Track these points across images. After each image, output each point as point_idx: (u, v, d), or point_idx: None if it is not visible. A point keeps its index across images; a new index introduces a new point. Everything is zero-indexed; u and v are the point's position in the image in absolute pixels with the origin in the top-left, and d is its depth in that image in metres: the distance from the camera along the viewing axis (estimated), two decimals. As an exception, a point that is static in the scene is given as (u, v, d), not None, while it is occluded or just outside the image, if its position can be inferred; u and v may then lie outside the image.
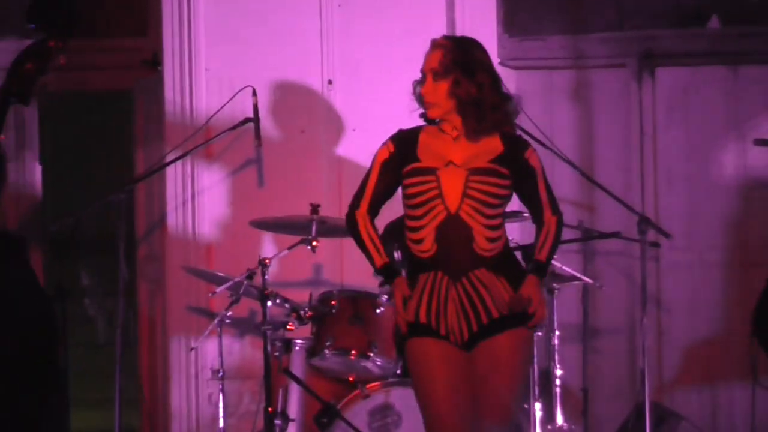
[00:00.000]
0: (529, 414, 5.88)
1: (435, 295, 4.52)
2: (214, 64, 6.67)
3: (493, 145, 4.55)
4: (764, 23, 6.97)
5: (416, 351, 4.56)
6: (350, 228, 4.66)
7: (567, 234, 6.28)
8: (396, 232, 5.32)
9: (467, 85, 4.47)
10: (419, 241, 4.53)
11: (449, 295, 4.50)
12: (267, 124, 6.41)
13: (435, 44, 4.56)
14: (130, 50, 7.02)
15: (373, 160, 4.63)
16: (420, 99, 4.57)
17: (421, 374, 4.54)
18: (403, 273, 4.62)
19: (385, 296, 5.63)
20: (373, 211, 4.62)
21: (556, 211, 4.63)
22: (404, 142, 4.58)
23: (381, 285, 4.76)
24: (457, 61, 4.48)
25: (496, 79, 4.55)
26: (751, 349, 5.71)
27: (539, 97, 7.00)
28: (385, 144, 4.62)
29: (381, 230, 4.88)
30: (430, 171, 4.51)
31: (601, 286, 6.40)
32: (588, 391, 6.56)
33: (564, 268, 6.06)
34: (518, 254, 4.88)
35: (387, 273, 4.61)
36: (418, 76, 4.61)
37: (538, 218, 4.63)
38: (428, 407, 4.53)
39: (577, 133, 7.06)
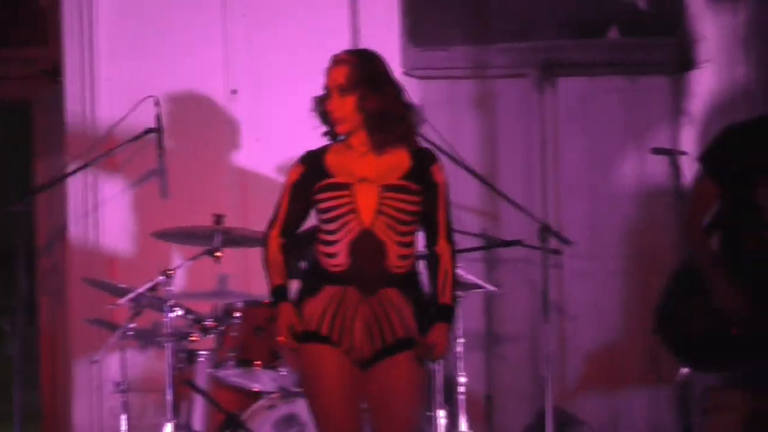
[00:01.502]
0: (432, 421, 5.85)
1: (342, 310, 4.45)
2: (116, 74, 6.61)
3: (402, 159, 4.51)
4: (661, 35, 7.03)
5: (311, 357, 4.47)
6: (264, 246, 4.60)
7: (470, 242, 6.39)
8: (302, 243, 5.26)
9: (374, 98, 4.44)
10: (333, 255, 4.47)
11: (358, 311, 4.45)
12: (170, 134, 6.33)
13: (338, 60, 4.51)
14: (30, 60, 6.97)
15: (285, 183, 4.58)
16: (323, 115, 4.52)
17: (317, 383, 4.47)
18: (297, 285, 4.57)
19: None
20: (287, 233, 4.57)
21: (450, 240, 4.56)
22: (313, 162, 4.53)
23: (271, 304, 4.71)
24: (363, 75, 4.45)
25: (400, 91, 4.52)
26: (653, 346, 5.73)
27: (443, 107, 6.99)
28: (294, 166, 4.57)
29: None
30: (345, 186, 4.47)
31: (504, 294, 6.43)
32: (491, 397, 6.65)
33: (467, 276, 6.04)
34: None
35: (277, 294, 4.54)
36: (320, 84, 4.54)
37: (431, 242, 4.55)
38: (321, 412, 4.46)
39: (480, 142, 7.06)
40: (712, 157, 5.10)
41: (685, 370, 5.98)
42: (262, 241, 4.61)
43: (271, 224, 4.58)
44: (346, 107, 4.44)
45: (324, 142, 4.56)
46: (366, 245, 4.43)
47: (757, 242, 5.00)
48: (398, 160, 4.50)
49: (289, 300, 4.52)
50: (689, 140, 6.85)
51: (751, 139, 5.06)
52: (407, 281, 4.49)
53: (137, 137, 6.16)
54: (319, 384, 4.45)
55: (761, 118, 5.18)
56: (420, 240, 4.59)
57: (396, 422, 4.46)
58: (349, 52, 4.56)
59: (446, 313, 4.51)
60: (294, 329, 4.46)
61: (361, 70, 4.44)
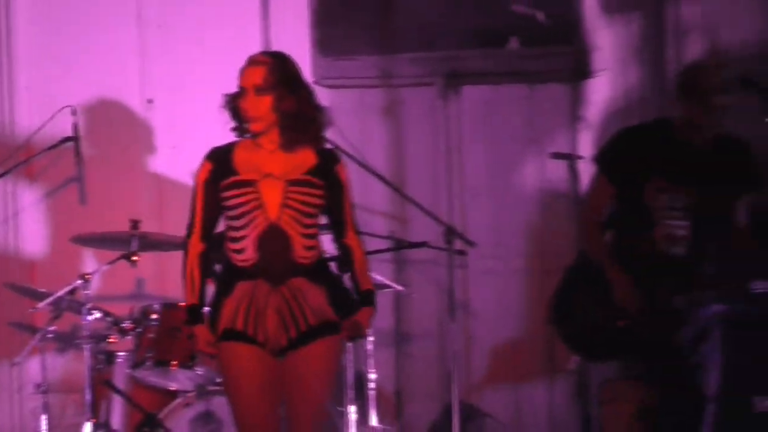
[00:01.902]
0: (344, 416, 5.90)
1: (254, 303, 4.51)
2: (34, 83, 6.60)
3: (308, 157, 4.59)
4: (558, 45, 7.10)
5: (229, 356, 4.54)
6: (183, 254, 4.63)
7: (379, 244, 6.40)
8: (216, 246, 5.30)
9: (290, 99, 4.51)
10: (241, 251, 4.52)
11: (269, 302, 4.51)
12: (88, 142, 6.32)
13: (255, 61, 4.57)
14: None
15: (195, 184, 4.61)
16: (235, 112, 4.57)
17: (233, 378, 4.53)
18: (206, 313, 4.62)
19: (207, 308, 5.60)
20: (206, 236, 4.59)
21: (357, 231, 4.69)
22: (220, 158, 4.57)
23: (186, 323, 4.73)
24: (280, 77, 4.51)
25: (311, 93, 4.61)
26: (550, 339, 5.78)
27: (352, 114, 7.04)
28: (202, 164, 4.60)
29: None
30: (250, 183, 4.52)
31: (412, 294, 6.48)
32: (401, 393, 6.67)
33: (376, 276, 6.00)
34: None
35: (192, 314, 4.59)
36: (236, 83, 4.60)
37: (340, 236, 4.67)
38: (240, 410, 4.53)
39: (388, 149, 7.11)
40: (605, 158, 5.21)
41: (575, 360, 6.11)
42: (181, 246, 4.62)
43: (189, 230, 4.59)
44: (262, 106, 4.50)
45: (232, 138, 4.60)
46: (272, 239, 4.49)
47: (646, 242, 5.16)
48: (304, 157, 4.57)
49: (202, 321, 4.57)
50: (586, 145, 6.90)
51: (642, 142, 5.16)
52: (315, 270, 4.56)
53: (55, 145, 6.13)
54: (237, 381, 4.50)
55: (652, 123, 5.28)
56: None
57: (308, 407, 4.52)
58: (265, 54, 4.64)
59: (368, 298, 4.64)
60: (211, 346, 4.53)
61: (278, 72, 4.51)
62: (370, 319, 4.64)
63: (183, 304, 5.58)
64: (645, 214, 5.10)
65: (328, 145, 4.78)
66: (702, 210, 5.12)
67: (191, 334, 4.71)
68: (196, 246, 4.58)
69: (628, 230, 5.17)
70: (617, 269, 5.09)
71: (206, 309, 4.64)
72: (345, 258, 4.65)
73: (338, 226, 4.66)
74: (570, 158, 6.30)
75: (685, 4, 6.77)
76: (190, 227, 4.60)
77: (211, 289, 4.65)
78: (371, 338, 6.11)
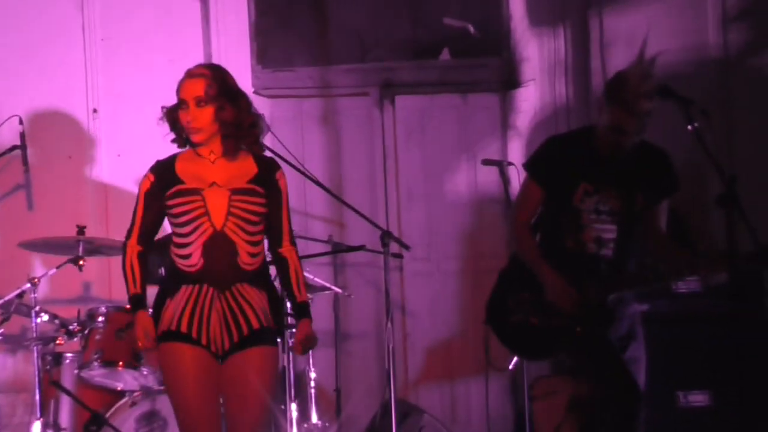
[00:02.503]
0: (285, 414, 5.89)
1: (199, 306, 4.55)
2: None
3: (249, 166, 4.63)
4: (488, 56, 7.20)
5: (171, 355, 4.55)
6: (122, 255, 4.67)
7: (318, 248, 6.50)
8: (160, 251, 5.36)
9: (230, 109, 4.55)
10: (186, 257, 4.56)
11: (213, 306, 4.54)
12: (35, 151, 6.34)
13: (193, 74, 4.60)
14: None
15: (138, 193, 4.65)
16: (174, 124, 4.60)
17: (175, 377, 4.54)
18: (149, 308, 4.65)
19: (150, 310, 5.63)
20: (144, 240, 4.64)
21: (293, 242, 4.71)
22: (163, 171, 4.62)
23: (130, 311, 4.76)
24: (220, 88, 4.54)
25: (249, 101, 4.65)
26: (485, 337, 5.84)
27: (291, 123, 7.09)
28: (145, 176, 4.64)
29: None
30: (196, 192, 4.56)
31: (351, 295, 6.50)
32: (340, 391, 6.66)
33: (316, 279, 6.16)
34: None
35: (134, 303, 4.62)
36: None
37: (276, 245, 4.69)
38: (182, 409, 4.54)
39: (326, 156, 7.17)
40: (535, 164, 5.24)
41: (515, 360, 6.16)
42: (121, 248, 4.65)
43: (129, 233, 4.63)
44: (204, 117, 4.54)
45: (175, 150, 4.64)
46: (218, 245, 4.53)
47: (574, 242, 5.27)
48: (245, 166, 4.61)
49: (145, 308, 4.59)
50: (516, 152, 7.03)
51: (570, 148, 5.21)
52: (258, 277, 4.59)
53: (2, 154, 6.14)
54: (178, 380, 4.51)
55: (579, 130, 5.36)
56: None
57: (249, 412, 4.53)
58: (203, 66, 4.65)
59: (306, 310, 4.67)
60: (149, 334, 4.53)
61: (217, 84, 4.54)
62: (310, 329, 4.66)
63: (128, 306, 5.72)
64: (574, 216, 5.17)
65: (268, 154, 4.82)
66: (626, 213, 5.21)
67: (135, 337, 4.67)
68: (134, 247, 4.63)
69: (558, 232, 5.23)
70: (548, 269, 5.16)
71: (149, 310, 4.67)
72: (280, 268, 4.67)
73: (274, 235, 4.67)
74: (500, 164, 6.37)
75: (608, 16, 6.90)
76: (130, 231, 4.65)
77: (152, 291, 4.68)
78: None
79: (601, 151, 5.14)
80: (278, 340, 4.69)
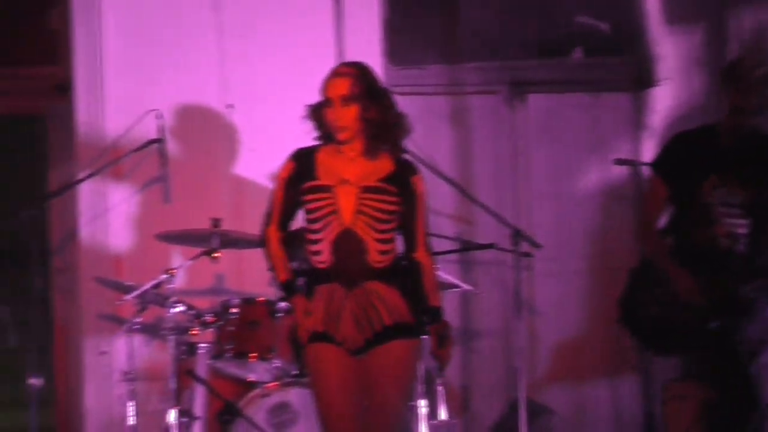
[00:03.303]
0: (414, 411, 5.89)
1: (332, 305, 4.56)
2: (122, 89, 6.63)
3: (385, 165, 4.62)
4: (621, 54, 7.15)
5: (313, 357, 4.59)
6: (264, 244, 4.70)
7: (447, 245, 6.44)
8: (292, 243, 5.38)
9: (374, 108, 4.56)
10: (318, 253, 4.58)
11: (344, 304, 4.55)
12: (172, 145, 6.40)
13: (339, 72, 4.61)
14: (43, 77, 6.98)
15: (277, 179, 4.67)
16: (319, 122, 4.61)
17: (318, 378, 4.57)
18: (301, 284, 4.67)
19: (283, 303, 5.66)
20: (284, 226, 4.67)
21: (428, 248, 4.68)
22: (303, 160, 4.63)
23: (284, 300, 4.79)
24: (364, 87, 4.56)
25: (393, 101, 4.65)
26: (618, 336, 5.78)
27: (420, 121, 6.81)
28: (286, 162, 4.66)
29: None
30: (327, 188, 4.57)
31: (479, 293, 6.51)
32: (468, 388, 6.71)
33: (445, 276, 6.07)
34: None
35: (287, 289, 4.65)
36: (308, 99, 4.66)
37: (411, 250, 4.66)
38: (324, 409, 4.56)
39: (455, 154, 7.15)
40: (660, 162, 5.22)
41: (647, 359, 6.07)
42: (259, 239, 4.67)
43: (268, 220, 4.65)
44: (348, 116, 4.54)
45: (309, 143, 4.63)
46: (347, 243, 4.54)
47: (706, 239, 5.19)
48: (382, 165, 4.61)
49: (300, 292, 4.60)
50: (650, 152, 6.86)
51: (694, 144, 5.16)
52: (389, 273, 4.58)
53: (142, 147, 6.21)
54: (321, 381, 4.54)
55: (703, 126, 5.30)
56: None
57: (385, 406, 4.54)
58: (349, 65, 4.67)
59: (440, 314, 4.64)
60: (304, 325, 4.56)
61: (363, 83, 4.55)
62: (448, 342, 4.64)
63: (262, 299, 5.77)
64: (704, 212, 5.11)
65: (408, 156, 4.79)
66: (757, 207, 5.12)
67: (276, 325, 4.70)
68: (276, 233, 4.66)
69: (689, 230, 5.17)
70: (676, 267, 5.09)
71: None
72: (414, 273, 4.64)
73: (409, 240, 4.64)
74: (634, 164, 6.32)
75: (747, 13, 6.78)
76: (269, 218, 4.67)
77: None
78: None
79: (725, 142, 5.07)
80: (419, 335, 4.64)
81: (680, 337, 5.20)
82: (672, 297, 5.16)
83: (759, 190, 5.09)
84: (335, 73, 4.62)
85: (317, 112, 4.62)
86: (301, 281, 4.72)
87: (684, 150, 5.17)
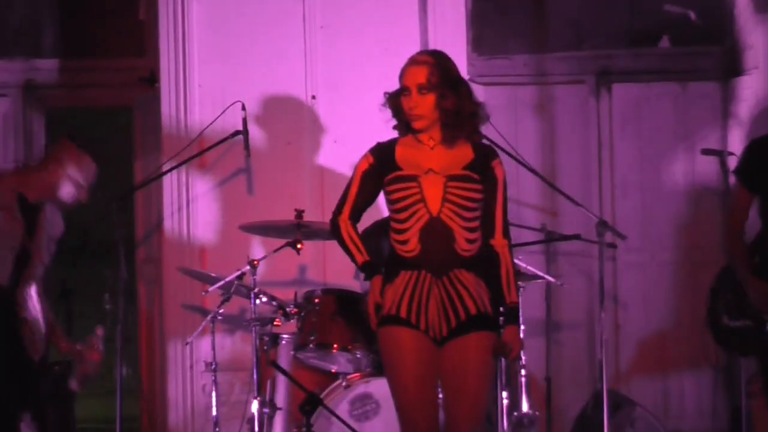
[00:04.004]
0: (496, 402, 5.89)
1: (417, 292, 4.51)
2: (206, 81, 6.67)
3: (465, 152, 4.58)
4: (709, 43, 7.04)
5: (391, 338, 4.53)
6: (334, 232, 4.68)
7: (531, 236, 6.42)
8: (375, 234, 5.35)
9: (451, 97, 4.51)
10: (404, 242, 4.53)
11: (432, 292, 4.51)
12: (255, 136, 6.41)
13: (416, 61, 4.57)
14: (130, 69, 7.04)
15: (354, 172, 4.65)
16: (397, 110, 4.58)
17: (395, 362, 4.52)
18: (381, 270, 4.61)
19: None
20: (355, 217, 4.64)
21: (507, 235, 4.62)
22: (383, 154, 4.60)
23: (364, 280, 4.75)
24: (442, 76, 4.51)
25: (470, 89, 4.60)
26: (703, 334, 5.69)
27: (505, 111, 7.02)
28: (365, 156, 4.64)
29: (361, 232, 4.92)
30: (412, 178, 4.53)
31: (563, 284, 6.40)
32: (551, 380, 6.59)
33: (528, 267, 6.08)
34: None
35: (368, 270, 4.61)
36: (393, 89, 4.60)
37: (489, 236, 4.60)
38: (401, 394, 4.52)
39: (540, 144, 7.08)
40: (741, 167, 5.10)
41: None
42: (330, 228, 4.65)
43: (340, 209, 4.63)
44: (426, 105, 4.50)
45: (394, 135, 4.61)
46: (435, 231, 4.49)
47: None
48: (462, 153, 4.56)
49: (380, 272, 4.55)
50: (737, 142, 6.81)
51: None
52: (476, 262, 4.53)
53: (225, 139, 6.24)
54: (398, 363, 4.48)
55: None
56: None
57: (467, 398, 4.48)
58: (427, 54, 4.62)
59: (515, 314, 4.56)
60: (378, 303, 4.51)
61: (439, 71, 4.50)
62: (516, 338, 4.55)
63: (345, 290, 5.74)
64: None
65: (485, 141, 4.74)
66: None
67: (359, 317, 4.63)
68: (347, 221, 4.63)
69: None
70: (752, 277, 5.00)
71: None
72: (491, 262, 4.58)
73: (487, 225, 4.58)
74: (721, 154, 6.19)
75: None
76: (341, 207, 4.64)
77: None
78: (522, 327, 6.05)
79: None
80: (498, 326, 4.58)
81: (754, 342, 5.08)
82: (746, 306, 5.07)
83: None
84: (412, 62, 4.58)
85: (395, 100, 4.59)
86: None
87: (762, 154, 5.06)
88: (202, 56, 6.68)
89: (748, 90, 6.95)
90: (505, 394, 5.89)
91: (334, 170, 6.59)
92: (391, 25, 6.78)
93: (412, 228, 4.52)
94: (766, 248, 5.08)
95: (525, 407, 6.11)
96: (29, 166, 5.83)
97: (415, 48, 6.59)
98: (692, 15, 7.02)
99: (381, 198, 4.65)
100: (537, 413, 6.21)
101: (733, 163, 6.13)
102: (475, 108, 4.57)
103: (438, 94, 4.51)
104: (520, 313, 5.96)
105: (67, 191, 4.76)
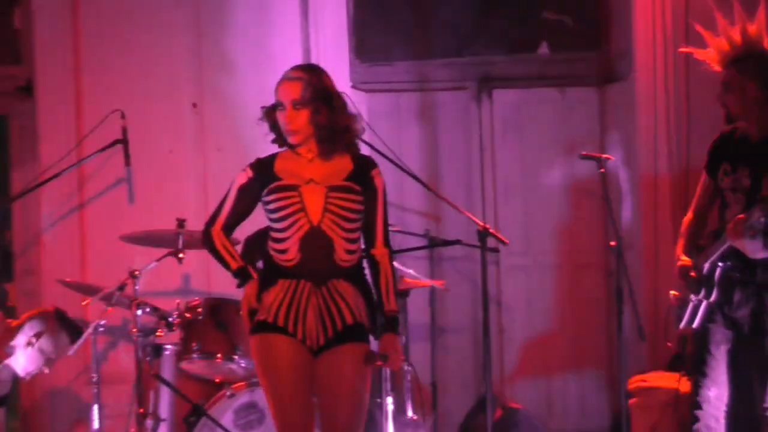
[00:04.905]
0: (381, 408, 5.89)
1: (296, 301, 4.50)
2: (85, 89, 6.59)
3: (345, 163, 4.59)
4: (587, 50, 7.11)
5: (266, 345, 4.50)
6: (206, 242, 4.64)
7: (415, 242, 6.44)
8: (255, 245, 5.30)
9: (325, 112, 4.53)
10: (284, 251, 4.52)
11: (310, 301, 4.50)
12: (137, 145, 6.30)
13: (290, 77, 4.57)
14: (5, 78, 6.91)
15: (232, 185, 4.62)
16: (273, 125, 4.59)
17: (270, 367, 4.49)
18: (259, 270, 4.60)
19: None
20: (228, 230, 4.62)
21: (387, 244, 4.63)
22: (262, 168, 4.60)
23: (238, 287, 4.71)
24: (315, 91, 4.52)
25: (344, 103, 4.61)
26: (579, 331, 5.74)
27: (388, 118, 7.04)
28: (243, 170, 4.62)
29: (242, 243, 4.87)
30: (293, 188, 4.53)
31: (447, 289, 6.42)
32: (436, 385, 6.60)
33: (412, 273, 6.09)
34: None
35: (242, 275, 4.58)
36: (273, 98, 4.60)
37: (369, 246, 4.62)
38: (276, 399, 4.48)
39: (423, 150, 7.11)
40: (707, 157, 5.24)
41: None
42: (203, 237, 4.59)
43: (212, 221, 4.59)
44: (300, 120, 4.51)
45: (275, 148, 4.61)
46: (315, 241, 4.49)
47: (722, 224, 5.11)
48: (342, 164, 4.57)
49: (252, 278, 4.52)
50: (615, 146, 6.92)
51: (721, 135, 5.18)
52: (354, 273, 4.54)
53: (105, 148, 6.15)
54: (273, 372, 4.46)
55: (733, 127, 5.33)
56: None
57: (342, 409, 4.47)
58: (301, 69, 4.61)
59: (394, 323, 4.56)
60: (252, 308, 4.48)
61: (313, 87, 4.51)
62: (395, 347, 4.55)
63: (228, 298, 5.68)
64: (721, 197, 5.12)
65: (366, 150, 4.79)
66: (754, 192, 5.11)
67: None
68: (219, 232, 4.59)
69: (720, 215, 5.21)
70: (683, 251, 5.11)
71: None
72: (372, 271, 4.59)
73: (368, 235, 4.60)
74: (599, 159, 6.16)
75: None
76: (214, 219, 4.61)
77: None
78: (402, 337, 6.07)
79: (738, 132, 5.09)
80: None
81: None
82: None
83: (756, 176, 5.07)
84: (286, 78, 4.59)
85: (271, 115, 4.60)
86: (259, 266, 4.65)
87: (714, 145, 5.20)
88: (81, 64, 6.60)
89: (624, 95, 7.02)
90: (390, 399, 5.87)
91: (217, 178, 6.46)
92: (272, 32, 6.75)
93: (293, 237, 4.51)
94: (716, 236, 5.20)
95: (410, 412, 6.10)
96: None
97: (297, 55, 6.64)
98: (569, 21, 7.07)
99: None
100: (423, 418, 6.21)
101: (611, 167, 6.30)
102: (349, 121, 4.59)
103: (312, 110, 4.52)
104: (406, 320, 6.07)
105: None
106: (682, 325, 5.14)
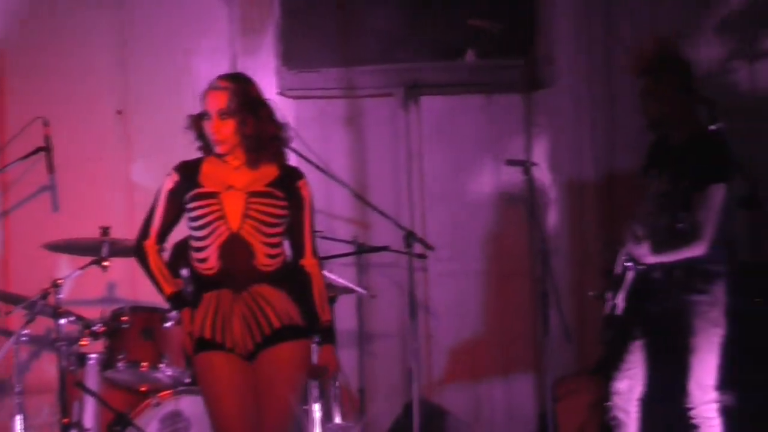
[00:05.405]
0: (309, 414, 5.80)
1: (220, 311, 4.50)
2: (8, 96, 6.54)
3: (270, 171, 4.59)
4: (513, 57, 7.10)
5: (204, 365, 4.52)
6: (139, 259, 4.62)
7: (342, 248, 6.43)
8: (182, 252, 5.27)
9: (252, 122, 4.51)
10: (204, 260, 4.51)
11: (233, 309, 4.49)
12: (60, 152, 6.24)
13: (217, 87, 4.55)
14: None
15: (159, 191, 4.60)
16: (200, 134, 4.57)
17: (210, 387, 4.50)
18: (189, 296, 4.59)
19: (174, 312, 5.54)
20: (161, 239, 4.61)
21: (316, 254, 4.64)
22: (187, 171, 4.58)
23: (168, 311, 4.70)
24: (241, 101, 4.51)
25: (272, 112, 4.60)
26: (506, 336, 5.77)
27: (315, 124, 7.02)
28: (169, 174, 4.61)
29: (170, 249, 4.84)
30: (213, 195, 4.52)
31: (374, 296, 6.42)
32: (364, 391, 6.62)
33: (339, 279, 6.07)
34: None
35: (174, 301, 4.58)
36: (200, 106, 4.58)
37: (298, 256, 4.62)
38: (217, 419, 4.49)
39: (351, 157, 7.10)
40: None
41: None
42: (135, 251, 4.59)
43: (145, 233, 4.58)
44: (226, 130, 4.50)
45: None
46: (234, 248, 4.48)
47: None
48: (267, 171, 4.57)
49: (187, 304, 4.53)
50: (540, 152, 6.96)
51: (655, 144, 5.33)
52: (277, 277, 4.53)
53: (27, 156, 6.10)
54: (213, 389, 4.47)
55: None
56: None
57: (277, 409, 4.47)
58: (226, 79, 4.59)
59: (330, 334, 4.59)
60: (192, 335, 4.50)
61: (239, 97, 4.50)
62: (333, 357, 4.60)
63: (153, 307, 5.64)
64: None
65: (293, 158, 4.81)
66: (672, 196, 5.17)
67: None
68: (154, 247, 4.58)
69: None
70: None
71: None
72: (304, 283, 4.59)
73: (296, 246, 4.61)
74: (524, 165, 6.28)
75: (638, 14, 6.83)
76: (146, 230, 4.59)
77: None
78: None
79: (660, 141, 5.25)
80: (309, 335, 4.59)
81: None
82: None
83: (674, 181, 5.15)
84: (213, 87, 4.57)
85: (197, 123, 4.58)
86: (189, 290, 4.62)
87: (649, 150, 5.34)
88: (4, 69, 6.54)
89: (550, 102, 7.06)
90: (317, 406, 5.81)
91: (143, 186, 6.50)
92: (199, 38, 6.72)
93: (212, 245, 4.50)
94: None
95: (338, 419, 6.07)
96: None
97: (224, 61, 6.62)
98: (495, 28, 7.07)
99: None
100: (350, 425, 6.17)
101: (537, 173, 6.35)
102: (276, 131, 4.59)
103: (238, 120, 4.51)
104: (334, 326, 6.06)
105: None
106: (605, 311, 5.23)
